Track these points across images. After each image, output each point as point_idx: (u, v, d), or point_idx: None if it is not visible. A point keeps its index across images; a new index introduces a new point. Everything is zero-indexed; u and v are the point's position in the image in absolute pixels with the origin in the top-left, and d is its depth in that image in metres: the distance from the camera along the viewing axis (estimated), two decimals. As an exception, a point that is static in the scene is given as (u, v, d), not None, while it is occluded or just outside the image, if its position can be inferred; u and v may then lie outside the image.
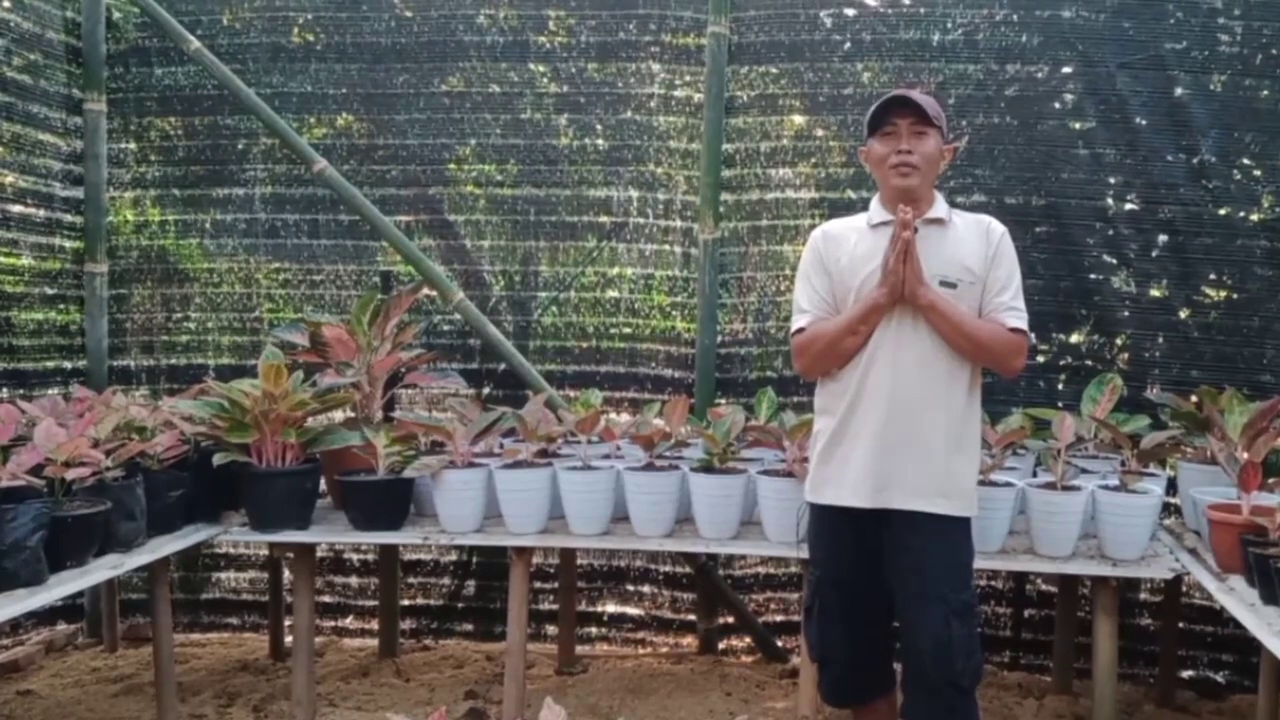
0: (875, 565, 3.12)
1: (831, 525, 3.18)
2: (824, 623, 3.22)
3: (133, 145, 5.40)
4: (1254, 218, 4.63)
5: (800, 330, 3.16)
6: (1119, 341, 4.77)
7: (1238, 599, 3.26)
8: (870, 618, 3.21)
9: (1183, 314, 4.70)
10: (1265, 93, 4.59)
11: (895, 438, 3.02)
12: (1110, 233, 4.72)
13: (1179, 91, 4.63)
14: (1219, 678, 4.73)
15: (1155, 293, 4.75)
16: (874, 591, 3.14)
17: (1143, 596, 4.79)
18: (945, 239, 3.09)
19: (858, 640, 3.23)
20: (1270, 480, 3.56)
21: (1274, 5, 4.57)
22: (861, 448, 3.06)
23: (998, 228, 3.14)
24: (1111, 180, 4.74)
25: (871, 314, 3.01)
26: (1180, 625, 4.64)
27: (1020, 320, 3.08)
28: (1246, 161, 4.66)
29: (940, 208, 3.13)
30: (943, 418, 3.04)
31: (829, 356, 3.10)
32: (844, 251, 3.13)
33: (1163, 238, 4.70)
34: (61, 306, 5.25)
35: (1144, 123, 4.66)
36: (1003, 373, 3.21)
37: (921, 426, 3.02)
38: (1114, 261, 4.74)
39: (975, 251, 3.09)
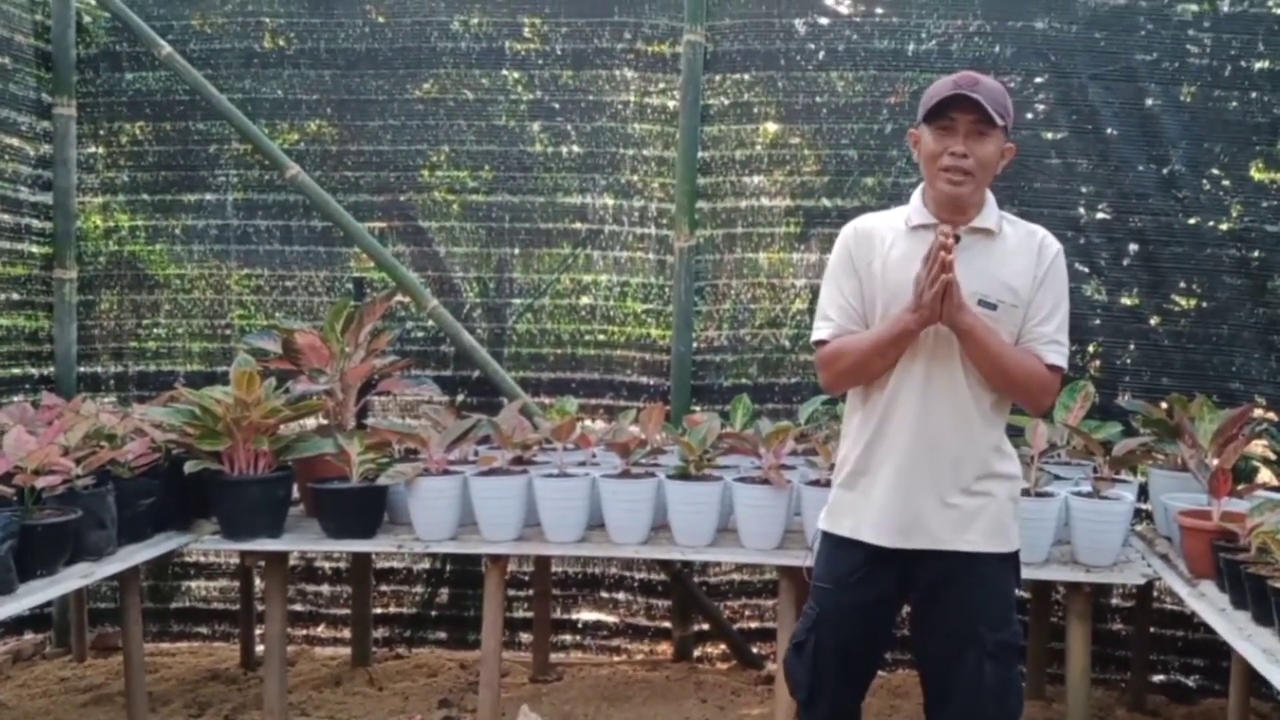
0: (887, 606, 2.90)
1: (845, 557, 2.85)
2: (817, 662, 2.88)
3: (102, 150, 5.34)
4: (1223, 227, 4.68)
5: (823, 341, 2.85)
6: (1091, 349, 4.80)
7: (1209, 604, 3.30)
8: (866, 663, 2.98)
9: (1153, 322, 4.75)
10: (1234, 104, 4.65)
11: (920, 473, 2.74)
12: (1082, 241, 4.74)
13: (1150, 103, 4.68)
14: (1190, 682, 4.78)
15: (1126, 301, 4.80)
16: (876, 633, 2.93)
17: (1115, 602, 4.84)
18: (991, 252, 2.77)
19: (849, 685, 2.95)
20: (1240, 486, 3.61)
21: (1242, 19, 4.64)
22: (884, 482, 2.78)
23: (1052, 245, 2.80)
24: (1083, 190, 4.78)
25: (901, 339, 2.70)
26: (1152, 630, 4.69)
27: (1061, 357, 2.77)
28: (1216, 172, 4.72)
29: (990, 215, 2.80)
30: (972, 449, 2.76)
31: (855, 376, 2.82)
32: (876, 254, 2.81)
33: (1134, 247, 4.75)
34: (29, 313, 5.18)
35: (1115, 133, 4.70)
36: (1028, 409, 2.94)
37: (949, 461, 2.74)
38: (1086, 270, 4.77)
39: (1022, 270, 2.77)
